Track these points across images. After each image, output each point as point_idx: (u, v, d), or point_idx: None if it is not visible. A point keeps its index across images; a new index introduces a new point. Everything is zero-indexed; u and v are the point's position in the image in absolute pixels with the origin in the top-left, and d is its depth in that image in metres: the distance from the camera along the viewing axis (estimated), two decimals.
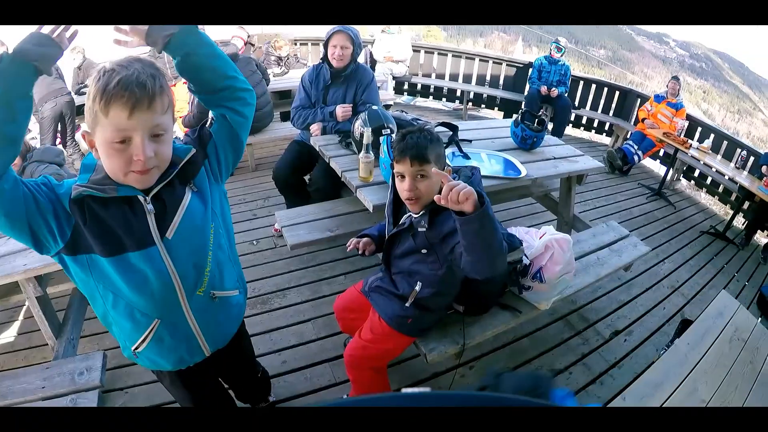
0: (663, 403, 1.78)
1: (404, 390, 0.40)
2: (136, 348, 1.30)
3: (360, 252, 1.94)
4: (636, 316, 3.23)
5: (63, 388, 1.99)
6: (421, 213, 1.72)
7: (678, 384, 1.86)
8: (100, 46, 3.05)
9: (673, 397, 1.81)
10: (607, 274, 2.68)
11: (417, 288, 1.80)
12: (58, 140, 4.99)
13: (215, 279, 1.33)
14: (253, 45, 6.04)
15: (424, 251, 1.75)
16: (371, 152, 2.45)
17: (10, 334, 3.05)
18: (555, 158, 3.11)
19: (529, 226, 2.42)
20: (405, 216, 1.79)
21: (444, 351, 1.98)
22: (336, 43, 3.09)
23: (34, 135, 5.07)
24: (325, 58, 3.19)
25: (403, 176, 1.68)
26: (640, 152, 5.73)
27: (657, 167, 6.47)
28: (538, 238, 2.14)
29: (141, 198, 1.12)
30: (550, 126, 6.26)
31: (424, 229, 1.69)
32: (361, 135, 2.50)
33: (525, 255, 2.08)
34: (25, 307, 3.23)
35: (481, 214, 1.26)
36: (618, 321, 3.13)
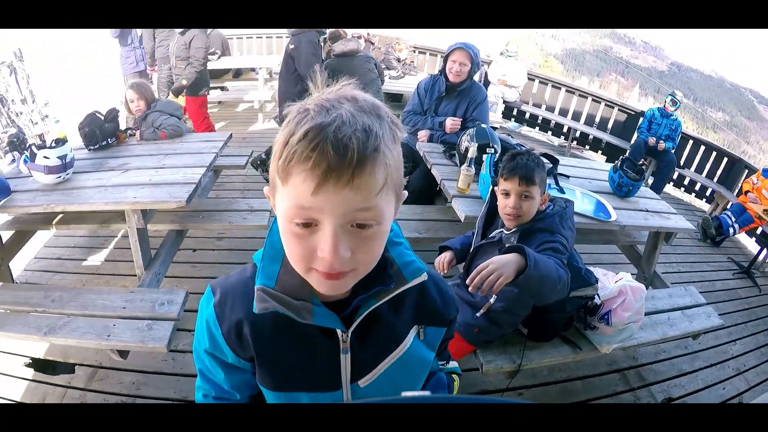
0: None
1: (404, 394, 0.40)
2: None
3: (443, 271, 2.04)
4: (693, 389, 3.14)
5: (142, 313, 2.20)
6: (512, 230, 1.85)
7: None
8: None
9: None
10: (673, 336, 2.67)
11: (492, 300, 1.93)
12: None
13: None
14: (372, 44, 6.31)
15: None
16: (473, 167, 2.60)
17: (98, 258, 3.42)
18: (648, 210, 3.11)
19: None
20: (496, 231, 1.93)
21: (500, 366, 2.08)
22: (456, 59, 3.25)
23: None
24: (443, 71, 3.36)
25: (508, 194, 1.83)
26: (737, 225, 5.47)
27: (752, 245, 6.14)
28: (613, 282, 2.21)
29: (339, 332, 0.79)
30: (650, 180, 6.12)
31: (509, 244, 1.80)
32: (467, 149, 2.66)
33: (597, 294, 2.15)
34: (117, 238, 3.61)
35: (523, 281, 1.45)
36: (674, 389, 3.07)
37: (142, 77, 5.37)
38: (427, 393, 0.42)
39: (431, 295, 0.88)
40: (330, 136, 0.59)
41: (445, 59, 3.33)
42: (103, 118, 3.16)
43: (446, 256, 2.06)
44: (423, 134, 3.39)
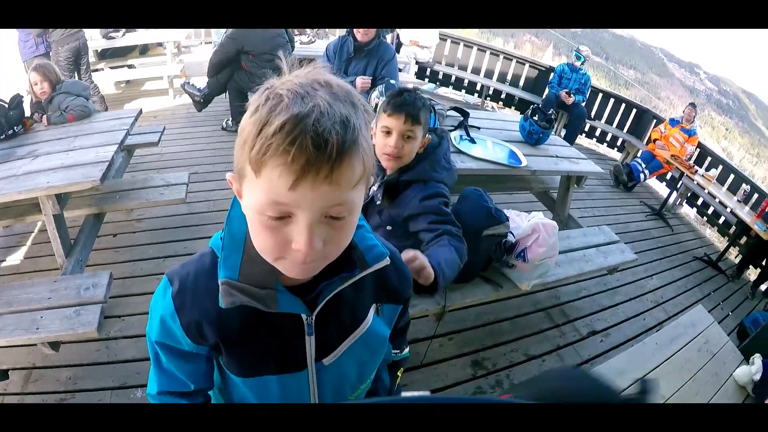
0: (622, 391, 1.88)
1: (404, 394, 0.44)
2: None
3: None
4: (615, 321, 3.32)
5: (68, 300, 2.11)
6: (379, 185, 1.72)
7: (640, 376, 1.91)
8: None
9: (633, 386, 1.90)
10: (590, 270, 2.79)
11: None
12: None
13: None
14: None
15: (389, 228, 1.78)
16: None
17: (16, 257, 3.19)
18: (558, 156, 3.22)
19: None
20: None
21: (425, 308, 2.09)
22: None
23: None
24: (350, 32, 3.32)
25: (389, 132, 1.64)
26: (647, 171, 5.80)
27: (662, 189, 6.53)
28: (526, 221, 2.27)
29: (303, 317, 0.78)
30: (563, 133, 6.34)
31: (379, 201, 1.73)
32: (377, 105, 2.63)
33: (512, 233, 2.21)
34: (33, 233, 3.38)
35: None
36: (597, 322, 3.24)
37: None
38: (426, 393, 0.42)
39: (389, 274, 0.88)
40: (309, 129, 0.56)
41: None
42: (7, 105, 2.98)
43: None
44: None
